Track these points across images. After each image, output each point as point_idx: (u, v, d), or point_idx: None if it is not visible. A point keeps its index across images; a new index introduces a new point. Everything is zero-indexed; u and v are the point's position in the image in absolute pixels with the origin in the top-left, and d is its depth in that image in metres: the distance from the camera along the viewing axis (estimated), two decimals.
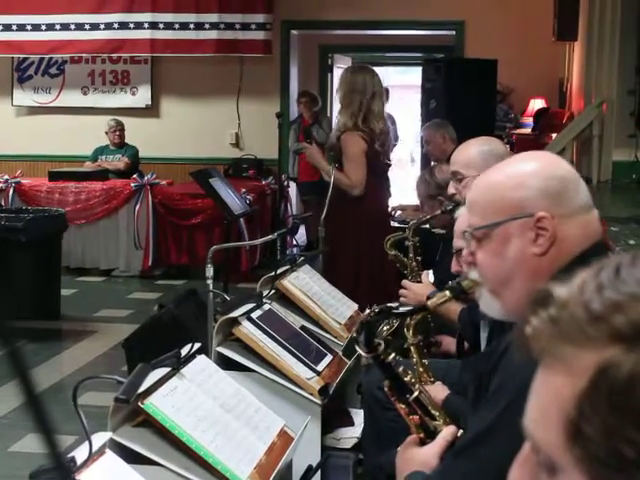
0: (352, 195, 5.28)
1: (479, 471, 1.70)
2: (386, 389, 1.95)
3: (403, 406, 1.93)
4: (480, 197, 1.88)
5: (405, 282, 3.54)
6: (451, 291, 2.00)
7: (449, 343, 3.50)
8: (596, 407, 0.72)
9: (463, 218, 2.85)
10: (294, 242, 9.67)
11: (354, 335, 1.98)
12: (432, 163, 6.72)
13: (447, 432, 1.86)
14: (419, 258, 3.81)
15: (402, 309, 2.07)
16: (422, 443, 1.91)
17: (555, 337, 0.76)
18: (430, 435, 1.90)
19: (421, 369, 2.76)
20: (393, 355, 1.91)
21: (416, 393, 1.91)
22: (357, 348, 1.96)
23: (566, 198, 1.79)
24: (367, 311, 1.93)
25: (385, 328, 3.62)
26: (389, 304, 2.08)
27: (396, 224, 5.75)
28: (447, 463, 1.83)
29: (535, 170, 1.82)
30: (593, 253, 1.74)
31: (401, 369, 1.92)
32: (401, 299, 3.46)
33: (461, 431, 1.90)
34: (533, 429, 0.79)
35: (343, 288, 4.60)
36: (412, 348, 2.62)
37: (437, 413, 1.93)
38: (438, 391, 2.64)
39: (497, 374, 1.69)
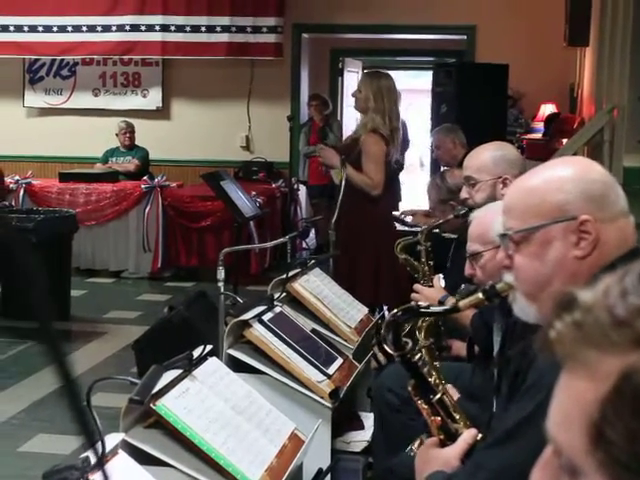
0: (370, 195, 5.34)
1: (514, 462, 1.69)
2: (410, 388, 1.95)
3: (426, 407, 1.92)
4: (519, 201, 1.87)
5: (417, 286, 3.54)
6: (484, 293, 1.99)
7: (459, 347, 3.50)
8: (619, 412, 0.72)
9: (477, 222, 2.85)
10: (304, 245, 9.68)
11: (382, 333, 1.96)
12: (442, 168, 6.72)
13: (468, 435, 1.85)
14: (431, 262, 3.81)
15: (433, 309, 2.05)
16: (442, 445, 1.90)
17: (579, 341, 0.76)
18: (450, 437, 1.89)
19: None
20: (419, 355, 1.91)
21: (439, 394, 1.91)
22: (385, 346, 1.95)
23: (607, 202, 1.80)
24: (394, 310, 1.93)
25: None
26: (419, 303, 2.07)
27: (406, 228, 5.76)
28: (479, 455, 1.82)
29: (574, 174, 1.82)
30: (630, 258, 1.74)
31: (426, 370, 1.92)
32: (412, 303, 3.46)
33: (480, 435, 1.90)
34: (555, 432, 0.79)
35: (363, 289, 4.67)
36: (424, 350, 2.62)
37: (458, 416, 1.92)
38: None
39: (534, 369, 1.70)
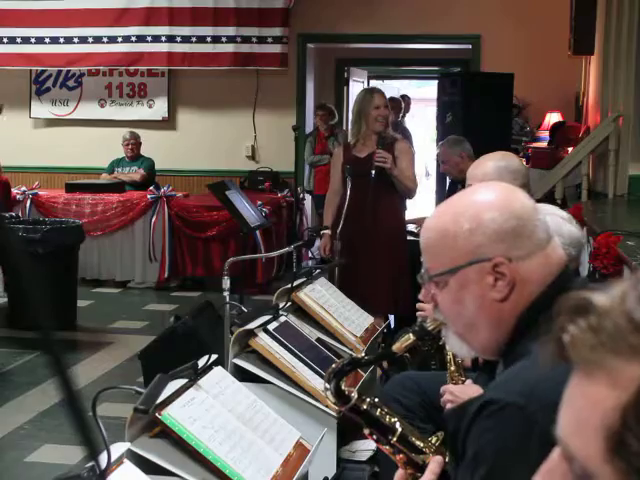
0: (411, 196, 5.75)
1: None
2: (366, 434, 1.91)
3: (387, 447, 1.88)
4: (433, 242, 1.79)
5: (420, 305, 3.55)
6: (414, 334, 1.97)
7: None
8: None
9: None
10: (310, 255, 9.69)
11: (325, 386, 1.93)
12: (448, 180, 6.73)
13: (434, 465, 1.77)
14: None
15: (368, 357, 2.05)
16: (414, 478, 1.85)
17: (597, 346, 0.75)
18: (419, 469, 1.84)
19: (453, 368, 2.76)
20: (368, 400, 1.86)
21: (399, 431, 1.85)
22: (328, 401, 1.93)
23: (523, 238, 1.70)
24: (336, 362, 1.92)
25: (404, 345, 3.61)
26: (357, 356, 2.07)
27: (413, 238, 5.77)
28: None
29: (490, 210, 1.72)
30: (557, 286, 1.69)
31: (378, 412, 1.86)
32: (418, 313, 3.46)
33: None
34: (568, 438, 0.78)
35: (378, 298, 4.79)
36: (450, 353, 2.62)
37: (422, 444, 1.87)
38: (474, 390, 2.62)
39: (470, 441, 1.61)
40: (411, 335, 1.96)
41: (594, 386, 0.76)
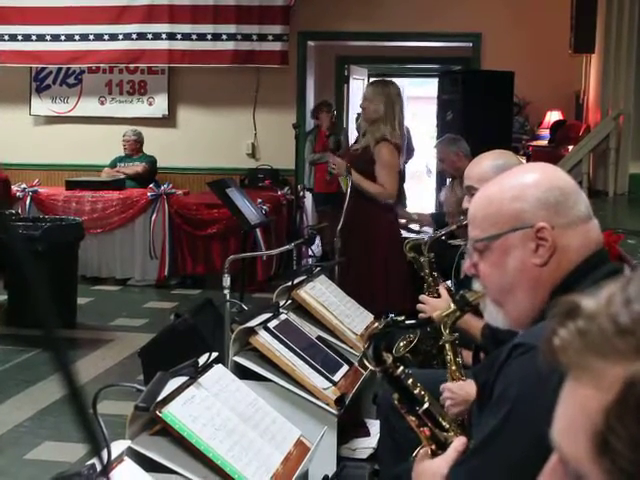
0: (379, 203, 5.41)
1: (483, 474, 1.72)
2: (395, 402, 1.95)
3: (413, 418, 1.92)
4: (479, 210, 1.91)
5: (423, 297, 3.53)
6: (456, 304, 2.01)
7: (465, 356, 3.49)
8: (624, 420, 0.72)
9: None
10: (310, 252, 9.69)
11: (363, 349, 1.98)
12: (447, 180, 6.71)
13: (458, 443, 1.85)
14: (435, 273, 3.80)
15: (408, 322, 2.08)
16: (434, 454, 1.89)
17: (583, 350, 0.76)
18: (441, 446, 1.88)
19: (454, 367, 2.77)
20: (402, 368, 1.91)
21: (426, 405, 1.89)
22: (365, 362, 1.96)
23: (565, 208, 1.81)
24: (375, 324, 1.95)
25: (402, 344, 3.60)
26: (396, 317, 2.08)
27: (412, 235, 5.76)
28: (453, 470, 1.83)
29: (533, 181, 1.84)
30: (593, 262, 1.79)
31: (410, 381, 1.91)
32: (420, 314, 3.46)
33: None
34: (561, 440, 0.79)
35: (371, 297, 4.74)
36: (447, 345, 2.64)
37: (447, 424, 1.91)
38: (472, 387, 2.62)
39: (498, 383, 1.71)
40: (452, 305, 2.00)
41: (581, 389, 0.77)
